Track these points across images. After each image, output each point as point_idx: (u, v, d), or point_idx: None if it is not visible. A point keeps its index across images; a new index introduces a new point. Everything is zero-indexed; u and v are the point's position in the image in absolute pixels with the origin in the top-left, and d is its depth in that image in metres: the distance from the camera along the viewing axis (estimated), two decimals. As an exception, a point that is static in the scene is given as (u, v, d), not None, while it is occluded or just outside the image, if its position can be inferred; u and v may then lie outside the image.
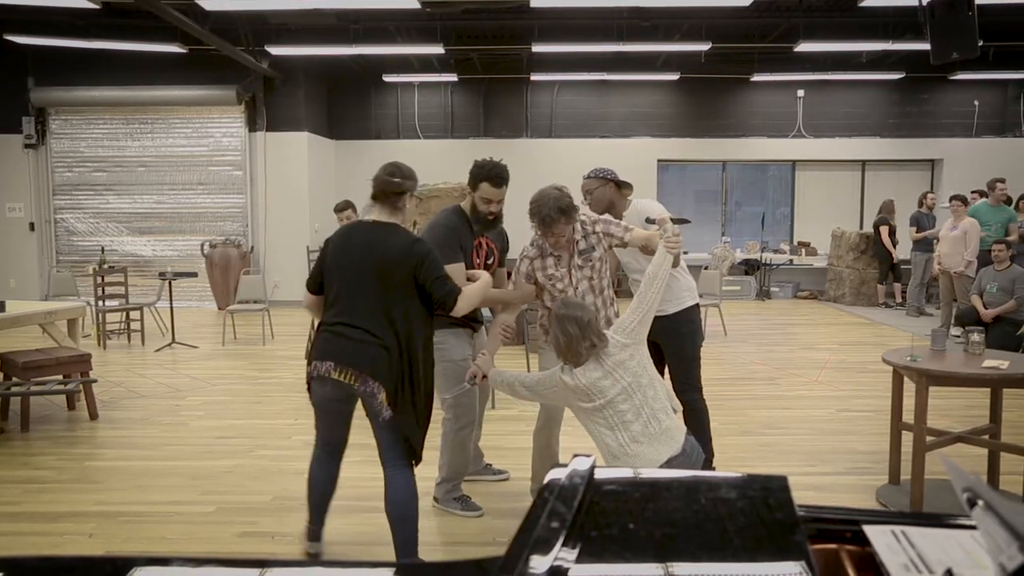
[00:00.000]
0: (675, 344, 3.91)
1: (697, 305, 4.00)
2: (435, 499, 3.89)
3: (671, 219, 3.25)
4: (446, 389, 3.68)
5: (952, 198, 8.82)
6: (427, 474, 3.96)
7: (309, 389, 3.07)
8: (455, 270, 3.47)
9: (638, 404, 2.87)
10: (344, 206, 6.70)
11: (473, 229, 3.68)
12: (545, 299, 3.61)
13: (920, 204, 10.55)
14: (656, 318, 3.74)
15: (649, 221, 3.56)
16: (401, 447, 2.99)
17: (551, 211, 3.29)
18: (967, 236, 8.45)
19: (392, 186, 3.05)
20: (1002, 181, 9.06)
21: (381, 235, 2.99)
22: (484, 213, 3.60)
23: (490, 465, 4.31)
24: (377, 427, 2.98)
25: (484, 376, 3.36)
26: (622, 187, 3.97)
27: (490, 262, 3.79)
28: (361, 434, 4.25)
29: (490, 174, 3.55)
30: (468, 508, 3.84)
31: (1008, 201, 10.02)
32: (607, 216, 3.73)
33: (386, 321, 2.90)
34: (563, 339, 2.86)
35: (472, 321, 3.81)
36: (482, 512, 3.82)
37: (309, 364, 3.01)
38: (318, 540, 3.30)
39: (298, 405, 5.88)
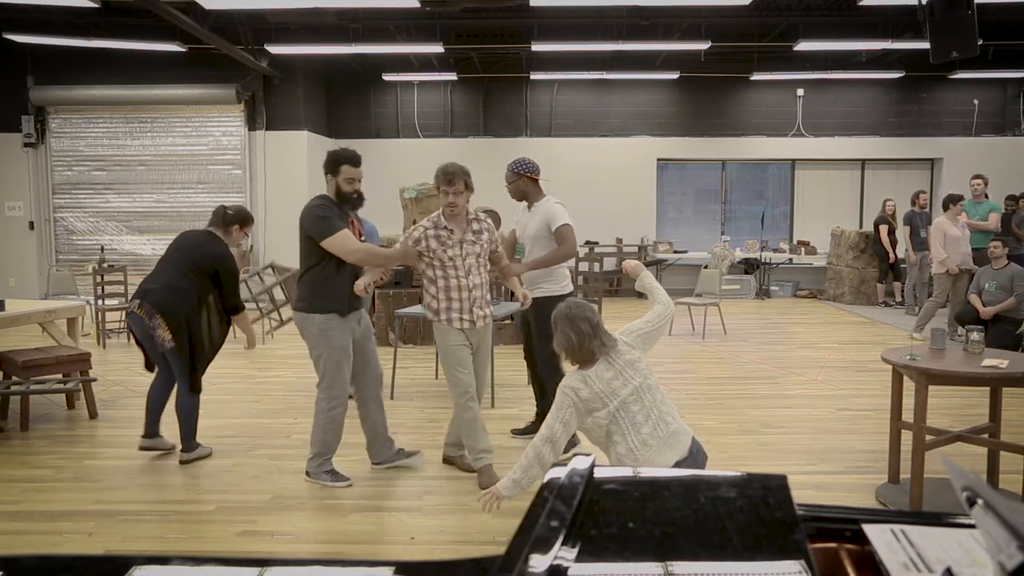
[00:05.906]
0: (544, 326, 3.97)
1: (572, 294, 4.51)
2: (307, 473, 4.10)
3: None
4: (325, 372, 3.93)
5: (958, 199, 8.42)
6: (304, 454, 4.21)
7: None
8: (345, 235, 3.81)
9: (648, 405, 2.90)
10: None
11: (343, 210, 3.94)
12: (435, 271, 3.94)
13: (913, 203, 10.43)
14: (536, 299, 4.34)
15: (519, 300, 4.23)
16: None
17: (457, 169, 3.94)
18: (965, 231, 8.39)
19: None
20: (978, 177, 9.09)
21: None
22: (350, 192, 3.91)
23: (402, 450, 4.40)
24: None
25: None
26: (536, 181, 4.57)
27: (363, 239, 4.10)
28: (359, 434, 4.27)
29: (350, 157, 3.92)
30: (337, 479, 4.04)
31: (1013, 200, 10.00)
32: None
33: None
34: (575, 337, 2.91)
35: (351, 308, 4.02)
36: (351, 482, 4.06)
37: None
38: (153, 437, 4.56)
39: (298, 404, 5.88)
